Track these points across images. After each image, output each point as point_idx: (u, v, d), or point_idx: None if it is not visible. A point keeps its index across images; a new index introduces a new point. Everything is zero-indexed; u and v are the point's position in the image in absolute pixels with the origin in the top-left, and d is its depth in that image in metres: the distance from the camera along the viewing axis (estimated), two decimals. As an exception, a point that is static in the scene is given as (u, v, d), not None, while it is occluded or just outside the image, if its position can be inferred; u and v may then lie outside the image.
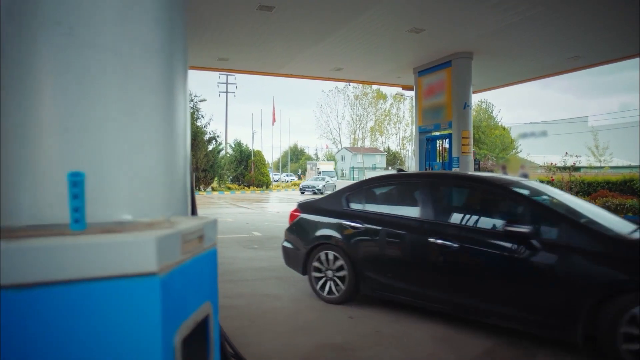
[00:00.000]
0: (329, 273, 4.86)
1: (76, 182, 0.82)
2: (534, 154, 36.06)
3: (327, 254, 4.89)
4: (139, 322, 0.80)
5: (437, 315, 4.38)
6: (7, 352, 0.72)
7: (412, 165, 54.08)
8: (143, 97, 1.19)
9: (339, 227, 4.87)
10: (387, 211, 4.81)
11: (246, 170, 35.76)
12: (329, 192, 33.10)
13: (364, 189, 5.26)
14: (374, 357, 3.51)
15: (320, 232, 5.02)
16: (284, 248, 5.50)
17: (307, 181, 36.86)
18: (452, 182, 4.88)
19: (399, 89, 18.74)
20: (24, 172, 1.14)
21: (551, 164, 19.88)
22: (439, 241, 4.09)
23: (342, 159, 70.88)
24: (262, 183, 36.11)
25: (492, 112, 43.47)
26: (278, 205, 20.27)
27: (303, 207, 5.47)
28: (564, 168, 19.34)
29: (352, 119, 74.94)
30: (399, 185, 5.22)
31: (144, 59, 1.20)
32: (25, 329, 0.72)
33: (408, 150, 69.98)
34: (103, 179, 1.14)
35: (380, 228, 4.58)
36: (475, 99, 12.40)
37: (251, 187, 35.00)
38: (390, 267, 4.47)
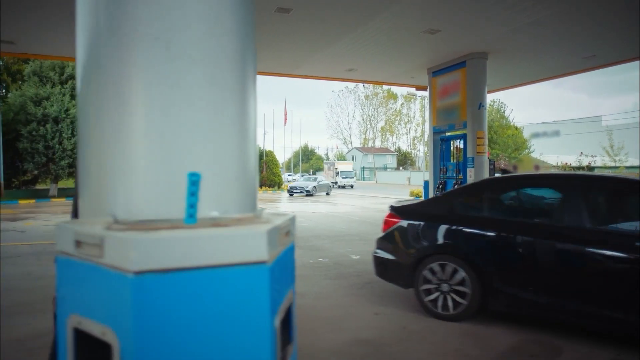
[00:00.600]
0: (445, 287, 4.30)
1: (194, 182, 0.94)
2: (547, 153, 35.84)
3: (442, 266, 4.32)
4: (253, 304, 0.91)
5: (461, 312, 4.45)
6: (144, 330, 0.83)
7: (422, 165, 53.91)
8: (225, 103, 1.31)
9: (459, 235, 4.37)
10: (523, 217, 4.38)
11: (258, 170, 35.92)
12: (322, 193, 29.24)
13: (486, 192, 4.76)
14: (404, 351, 3.61)
15: (433, 241, 4.50)
16: (378, 259, 4.92)
17: (297, 182, 32.25)
18: (607, 186, 4.33)
19: (412, 89, 18.78)
20: (121, 173, 1.26)
21: (566, 164, 19.79)
22: (603, 251, 3.65)
23: (353, 159, 70.87)
24: (274, 183, 36.26)
25: (504, 112, 43.23)
26: (290, 205, 20.40)
27: (402, 212, 4.87)
28: (579, 168, 19.26)
29: (363, 119, 74.98)
30: (533, 188, 4.75)
31: (226, 69, 1.31)
32: (163, 307, 0.84)
33: (419, 151, 69.78)
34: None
35: (519, 236, 4.07)
36: (488, 98, 12.44)
37: (263, 188, 35.19)
38: (533, 280, 3.95)
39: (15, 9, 9.68)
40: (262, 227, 0.93)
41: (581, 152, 19.47)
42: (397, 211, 4.90)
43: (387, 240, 4.88)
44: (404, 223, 4.75)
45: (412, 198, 22.47)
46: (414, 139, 73.11)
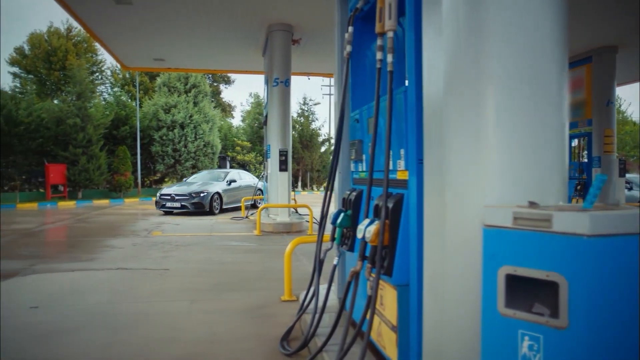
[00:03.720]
0: None
1: (602, 180, 1.42)
2: (673, 151, 32.34)
3: None
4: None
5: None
6: (593, 273, 1.32)
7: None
8: (560, 125, 1.79)
9: None
10: None
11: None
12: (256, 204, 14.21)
13: None
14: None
15: None
16: None
17: (172, 187, 15.13)
18: None
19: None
20: (477, 173, 1.79)
21: None
22: None
23: (447, 159, 69.00)
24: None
25: (620, 106, 39.77)
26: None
27: None
28: None
29: (457, 118, 72.77)
30: None
31: (558, 101, 1.78)
32: (604, 258, 1.33)
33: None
34: (544, 179, 1.74)
35: None
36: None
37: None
38: None
39: (165, 33, 11.18)
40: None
41: None
42: None
43: None
44: None
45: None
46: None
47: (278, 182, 10.33)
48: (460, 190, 1.82)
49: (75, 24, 34.04)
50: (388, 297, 2.48)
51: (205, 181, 15.15)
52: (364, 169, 3.15)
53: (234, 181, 15.42)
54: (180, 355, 3.33)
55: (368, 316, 2.31)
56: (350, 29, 3.17)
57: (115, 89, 34.33)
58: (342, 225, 3.11)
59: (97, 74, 35.21)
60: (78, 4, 9.33)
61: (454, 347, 1.83)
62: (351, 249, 3.09)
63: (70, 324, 3.95)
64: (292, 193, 12.71)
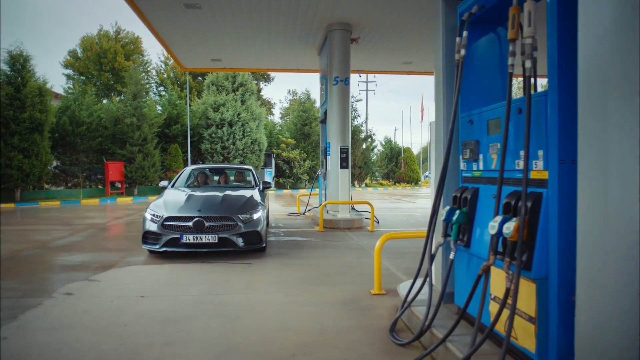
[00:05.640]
0: None
1: None
2: None
3: None
4: None
5: None
6: None
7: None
8: None
9: None
10: None
11: (396, 167, 36.55)
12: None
13: None
14: None
15: None
16: None
17: (179, 200, 7.11)
18: None
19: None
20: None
21: None
22: None
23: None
24: (412, 179, 36.51)
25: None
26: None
27: None
28: None
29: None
30: None
31: None
32: None
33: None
34: None
35: None
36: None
37: (402, 184, 35.67)
38: None
39: (226, 35, 11.54)
40: None
41: None
42: None
43: None
44: None
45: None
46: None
47: (339, 179, 10.51)
48: (627, 189, 1.92)
49: (123, 26, 35.32)
50: (524, 290, 2.60)
51: (212, 188, 8.21)
52: (479, 168, 3.26)
53: (269, 186, 9.17)
54: (300, 343, 3.55)
55: (508, 308, 2.45)
56: (465, 33, 3.28)
57: (160, 89, 35.46)
58: (458, 222, 3.24)
59: (144, 74, 36.49)
60: (150, 9, 9.78)
61: (614, 337, 1.94)
62: (467, 245, 3.22)
63: (183, 312, 4.25)
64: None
